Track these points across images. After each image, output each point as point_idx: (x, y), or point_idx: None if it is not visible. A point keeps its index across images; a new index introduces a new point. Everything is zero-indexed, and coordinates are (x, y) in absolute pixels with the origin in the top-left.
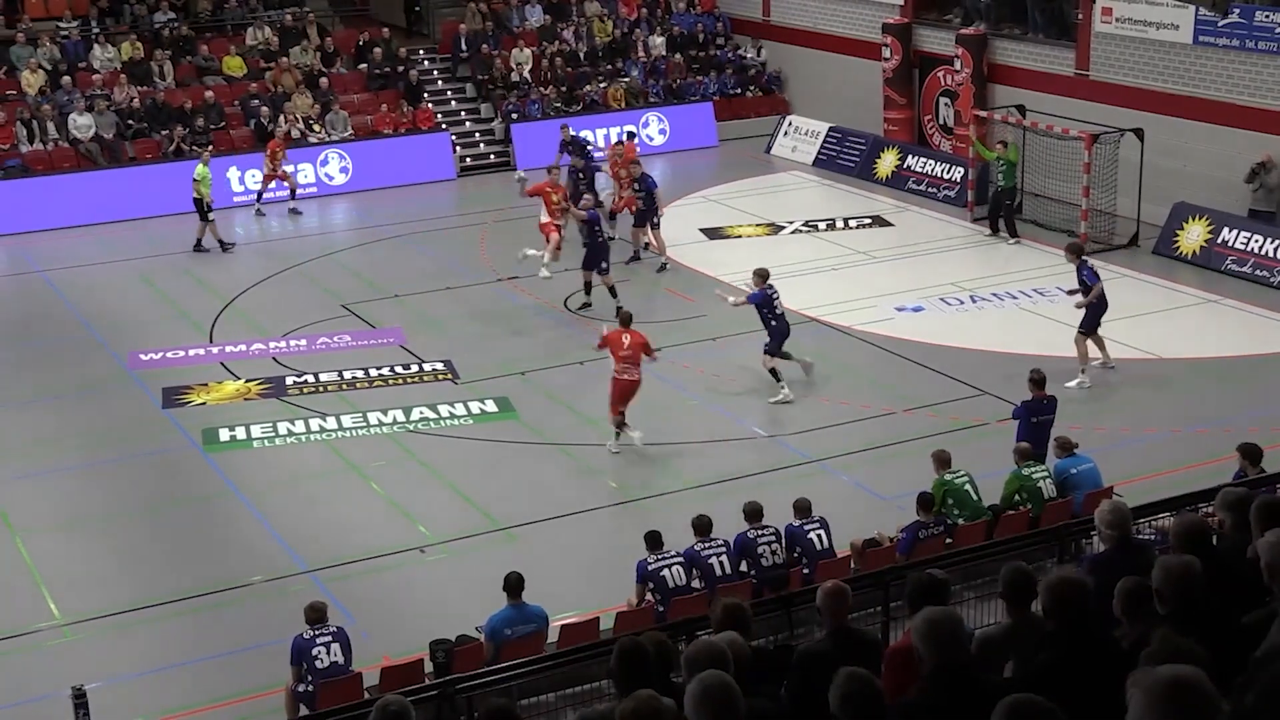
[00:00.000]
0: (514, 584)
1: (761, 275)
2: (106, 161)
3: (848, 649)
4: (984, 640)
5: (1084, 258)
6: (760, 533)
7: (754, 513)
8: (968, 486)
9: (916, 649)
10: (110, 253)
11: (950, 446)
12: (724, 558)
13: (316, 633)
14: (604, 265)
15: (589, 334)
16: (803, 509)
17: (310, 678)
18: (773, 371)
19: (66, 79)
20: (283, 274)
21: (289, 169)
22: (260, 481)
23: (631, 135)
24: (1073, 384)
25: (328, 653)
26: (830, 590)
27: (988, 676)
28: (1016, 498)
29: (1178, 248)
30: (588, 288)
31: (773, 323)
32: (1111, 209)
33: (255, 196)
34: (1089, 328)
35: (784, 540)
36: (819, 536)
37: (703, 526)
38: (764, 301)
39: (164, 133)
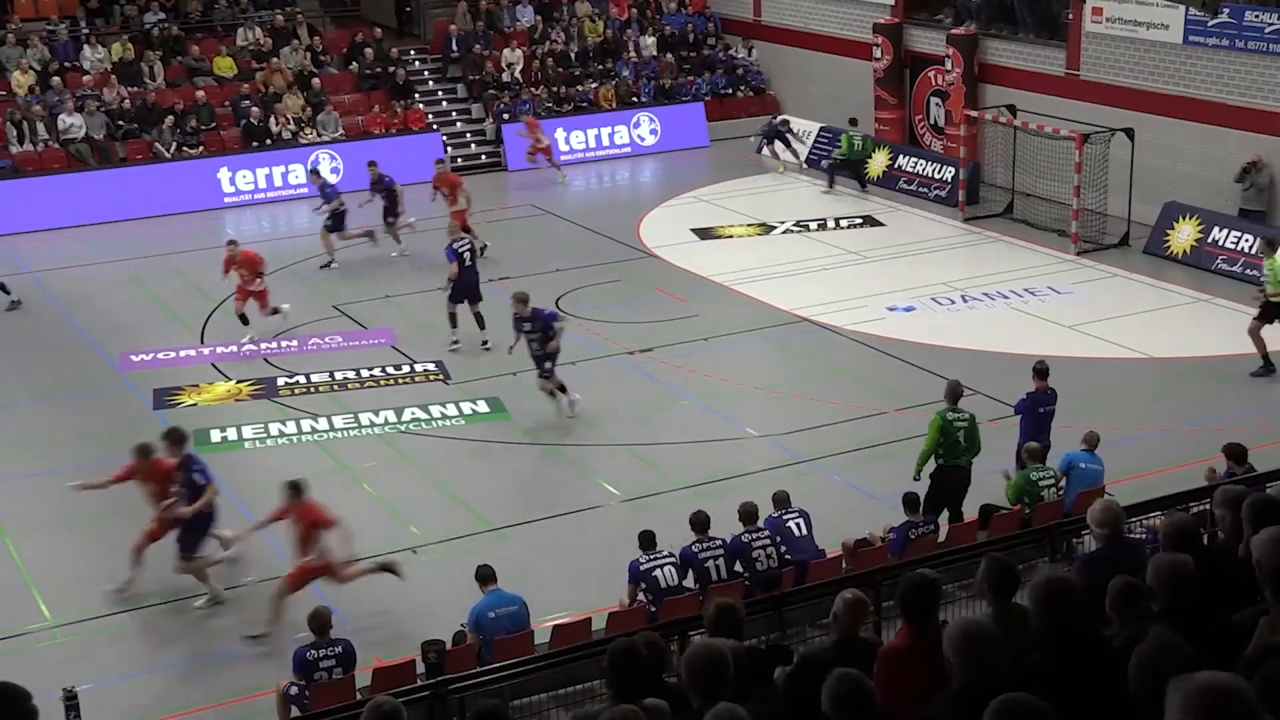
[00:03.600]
0: (486, 574)
1: (521, 299)
2: (97, 162)
3: (853, 659)
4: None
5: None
6: (755, 536)
7: (749, 514)
8: (961, 434)
9: (948, 660)
10: (101, 254)
11: None
12: (720, 560)
13: (322, 653)
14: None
15: (582, 335)
16: (781, 500)
17: (306, 684)
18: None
19: (56, 79)
20: (273, 275)
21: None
22: (252, 482)
23: (440, 161)
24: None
25: (330, 677)
26: (851, 600)
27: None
28: (1025, 501)
29: (1168, 247)
30: (453, 319)
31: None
32: (1102, 209)
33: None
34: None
35: (766, 531)
36: (797, 525)
37: (701, 523)
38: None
39: (155, 132)
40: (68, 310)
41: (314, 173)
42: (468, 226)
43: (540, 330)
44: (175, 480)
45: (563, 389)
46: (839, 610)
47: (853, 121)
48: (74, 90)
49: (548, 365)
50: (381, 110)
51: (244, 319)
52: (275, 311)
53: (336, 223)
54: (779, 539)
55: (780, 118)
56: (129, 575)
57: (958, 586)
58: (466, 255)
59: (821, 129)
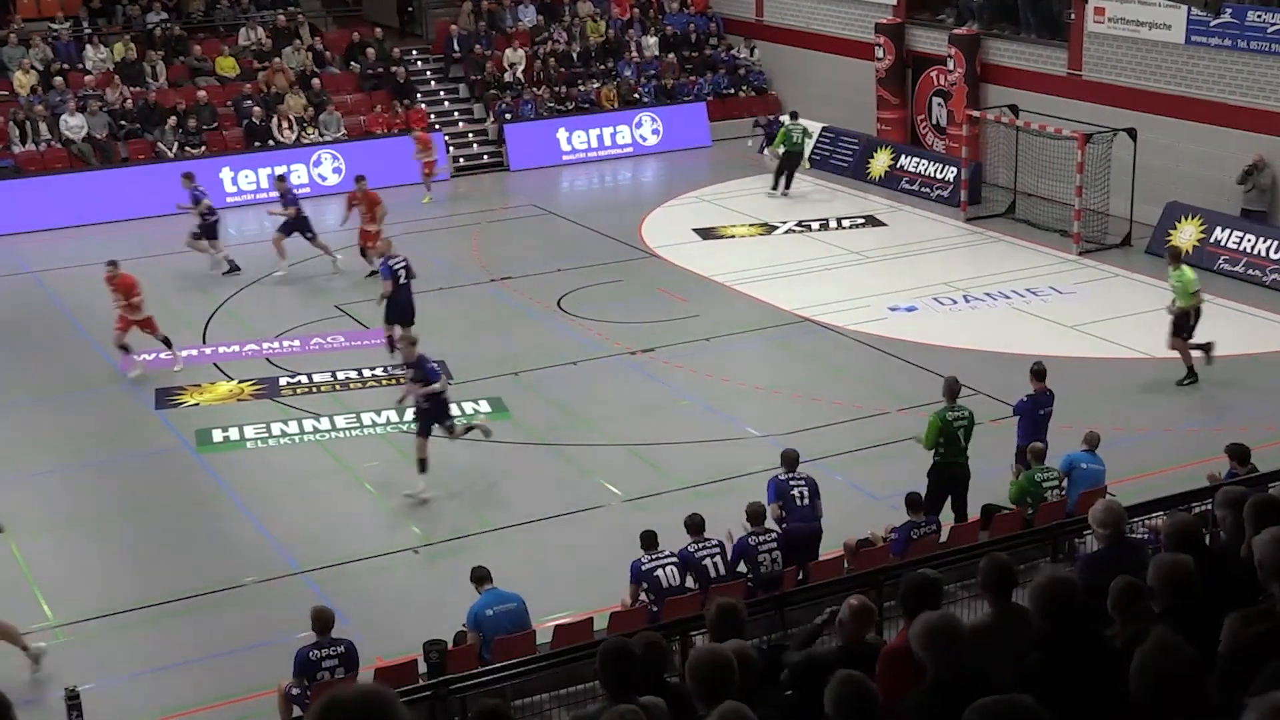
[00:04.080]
0: (481, 575)
1: (410, 341)
2: (99, 162)
3: (857, 662)
4: (970, 632)
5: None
6: (762, 538)
7: (757, 514)
8: (961, 431)
9: (917, 655)
10: (102, 253)
11: None
12: (718, 558)
13: (325, 653)
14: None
15: (584, 335)
16: (790, 460)
17: (309, 684)
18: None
19: (59, 79)
20: (275, 274)
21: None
22: (253, 482)
23: (360, 178)
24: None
25: (332, 676)
26: (857, 608)
27: (990, 682)
28: (1029, 502)
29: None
30: (390, 342)
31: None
32: (1104, 209)
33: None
34: None
35: (768, 493)
36: (801, 493)
37: (695, 525)
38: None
39: (157, 132)
40: (68, 310)
41: (186, 176)
42: (368, 247)
43: (420, 380)
44: None
45: (420, 460)
46: (845, 617)
47: (793, 115)
48: (76, 90)
49: (450, 422)
50: (383, 110)
51: (125, 349)
52: (125, 347)
53: (207, 231)
54: (780, 503)
55: (782, 118)
56: None
57: (959, 586)
58: (402, 273)
59: (823, 129)
